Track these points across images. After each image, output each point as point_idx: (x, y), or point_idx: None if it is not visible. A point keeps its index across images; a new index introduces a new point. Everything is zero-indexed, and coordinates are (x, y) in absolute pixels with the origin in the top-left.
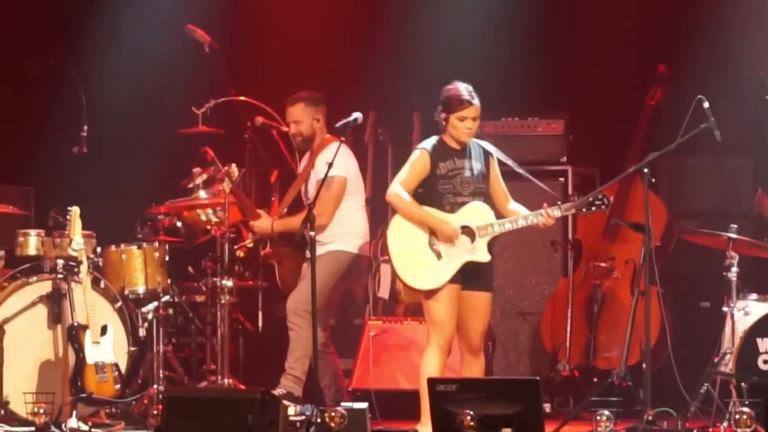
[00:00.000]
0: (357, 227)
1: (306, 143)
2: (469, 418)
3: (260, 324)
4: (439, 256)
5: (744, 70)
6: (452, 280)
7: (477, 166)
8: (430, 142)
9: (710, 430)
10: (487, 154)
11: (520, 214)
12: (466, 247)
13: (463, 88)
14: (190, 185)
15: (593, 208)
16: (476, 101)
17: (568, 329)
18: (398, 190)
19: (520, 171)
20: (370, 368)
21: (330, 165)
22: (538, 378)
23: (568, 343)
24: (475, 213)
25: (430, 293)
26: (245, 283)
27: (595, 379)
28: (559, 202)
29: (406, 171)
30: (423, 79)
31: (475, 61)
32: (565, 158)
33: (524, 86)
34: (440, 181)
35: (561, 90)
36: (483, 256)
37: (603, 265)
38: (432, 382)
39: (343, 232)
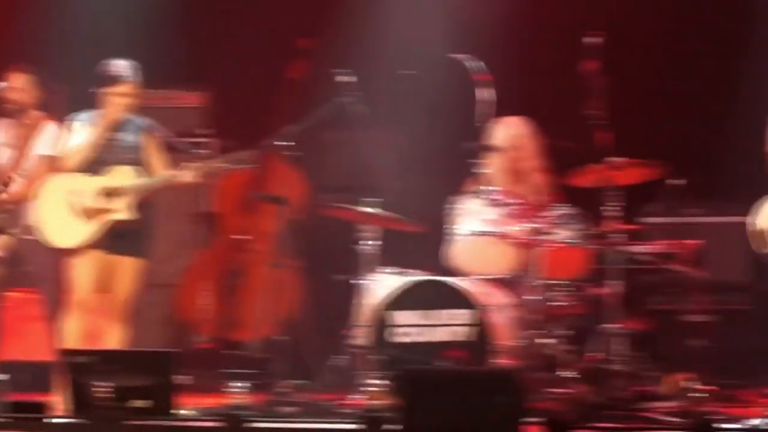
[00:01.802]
0: None
1: None
2: (105, 390)
3: None
4: (82, 216)
5: (384, 44)
6: (96, 245)
7: (131, 138)
8: (86, 114)
9: (344, 402)
10: (144, 128)
11: (162, 173)
12: (109, 207)
13: (122, 65)
14: None
15: (235, 165)
16: (133, 78)
17: (206, 301)
18: (63, 153)
19: (174, 141)
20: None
21: None
22: (174, 350)
23: (205, 316)
24: (120, 175)
25: (73, 254)
26: None
27: (232, 351)
28: (200, 161)
29: (62, 142)
30: (70, 50)
31: (115, 32)
32: (205, 130)
33: (165, 57)
34: (92, 149)
35: (202, 62)
36: (124, 214)
37: (241, 237)
38: (67, 353)
39: None
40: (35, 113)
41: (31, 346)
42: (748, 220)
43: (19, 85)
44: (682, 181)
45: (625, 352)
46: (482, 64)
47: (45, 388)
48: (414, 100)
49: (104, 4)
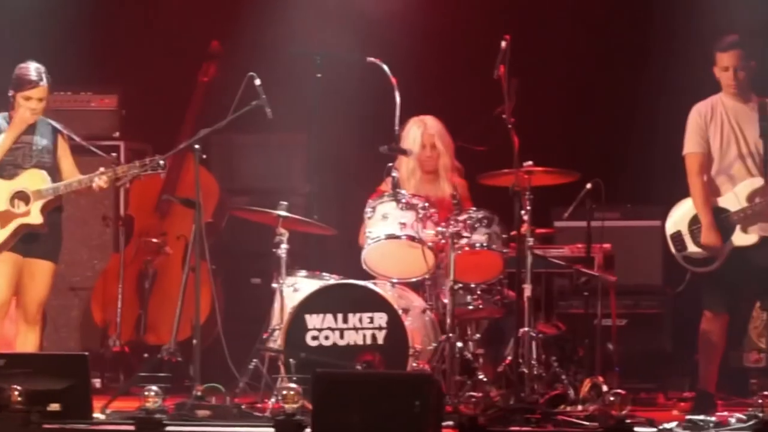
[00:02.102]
0: None
1: None
2: (16, 393)
3: None
4: None
5: (296, 47)
6: (11, 248)
7: (42, 142)
8: None
9: (258, 405)
10: (55, 131)
11: (74, 177)
12: (20, 211)
13: (33, 68)
14: None
15: (149, 171)
16: (44, 82)
17: (119, 305)
18: None
19: (85, 144)
20: None
21: None
22: (86, 353)
23: (119, 319)
24: (31, 179)
25: None
26: None
27: (146, 355)
28: (114, 165)
29: None
30: None
31: (26, 33)
32: (117, 133)
33: (76, 60)
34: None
35: (114, 64)
36: (36, 218)
37: (154, 240)
38: None
39: None
40: None
41: None
42: (666, 224)
43: None
44: (595, 185)
45: (539, 356)
46: (388, 66)
47: None
48: (330, 103)
49: (16, 3)
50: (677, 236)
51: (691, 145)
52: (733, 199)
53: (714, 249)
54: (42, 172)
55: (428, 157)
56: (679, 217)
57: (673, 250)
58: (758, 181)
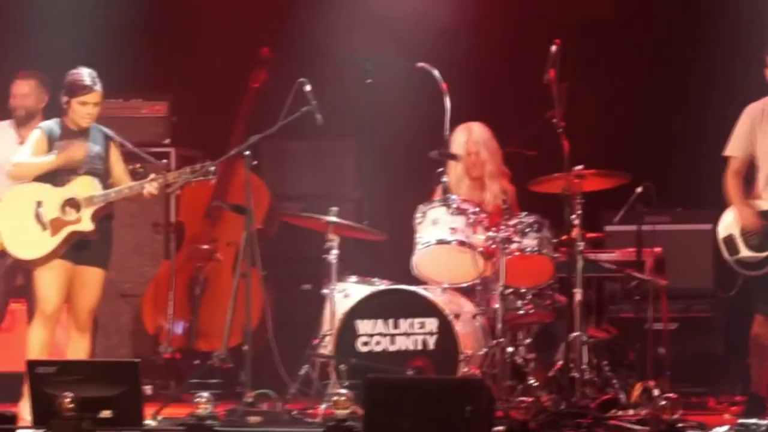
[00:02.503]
0: None
1: None
2: (68, 400)
3: None
4: (44, 227)
5: (345, 53)
6: (62, 255)
7: (95, 148)
8: (49, 122)
9: (309, 411)
10: (107, 138)
11: (125, 184)
12: (71, 218)
13: (86, 74)
14: None
15: (200, 177)
16: (98, 87)
17: (170, 311)
18: (17, 162)
19: (136, 151)
20: None
21: None
22: (138, 360)
23: (169, 326)
24: (82, 185)
25: (37, 265)
26: None
27: (197, 362)
28: (164, 171)
29: (24, 150)
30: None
31: (78, 40)
32: (168, 140)
33: (127, 67)
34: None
35: (165, 71)
36: (86, 225)
37: (205, 247)
38: (31, 364)
39: None
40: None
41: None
42: (718, 228)
43: (26, 90)
44: (646, 189)
45: (590, 360)
46: (438, 72)
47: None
48: (380, 108)
49: (66, 10)
50: (729, 240)
51: (732, 148)
52: None
53: (757, 229)
54: (93, 179)
55: (473, 164)
56: (731, 220)
57: (725, 254)
58: None
